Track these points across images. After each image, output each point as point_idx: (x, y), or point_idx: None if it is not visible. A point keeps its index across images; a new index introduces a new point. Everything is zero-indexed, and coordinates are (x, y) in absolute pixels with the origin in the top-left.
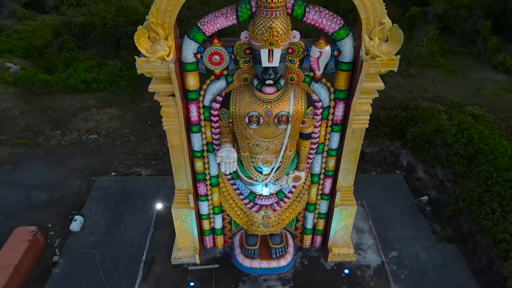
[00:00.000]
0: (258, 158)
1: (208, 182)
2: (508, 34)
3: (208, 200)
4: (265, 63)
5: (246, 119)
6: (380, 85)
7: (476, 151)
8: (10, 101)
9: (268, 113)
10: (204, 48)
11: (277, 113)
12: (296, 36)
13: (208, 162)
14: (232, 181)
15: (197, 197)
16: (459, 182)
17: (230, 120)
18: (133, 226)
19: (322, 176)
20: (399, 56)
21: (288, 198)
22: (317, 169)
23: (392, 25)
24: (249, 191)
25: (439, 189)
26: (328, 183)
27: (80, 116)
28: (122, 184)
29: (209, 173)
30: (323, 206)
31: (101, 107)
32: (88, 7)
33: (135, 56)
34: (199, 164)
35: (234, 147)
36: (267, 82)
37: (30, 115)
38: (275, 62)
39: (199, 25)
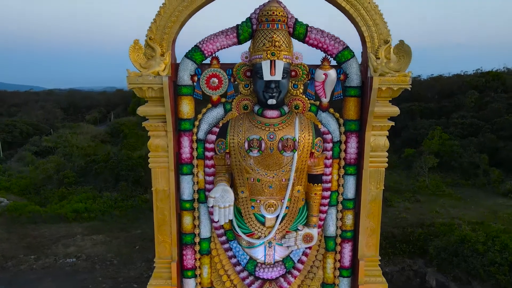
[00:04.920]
0: (260, 201)
1: (197, 248)
2: (506, 167)
3: (196, 276)
4: (266, 76)
5: (246, 145)
6: (394, 109)
7: None
8: None
9: (271, 137)
10: (202, 70)
11: (282, 137)
12: (299, 57)
13: (198, 218)
14: (227, 245)
15: (181, 271)
16: None
17: (227, 151)
18: None
19: (338, 241)
20: (411, 71)
21: (299, 270)
22: (331, 229)
23: (398, 41)
24: (248, 258)
25: None
26: (347, 249)
27: (61, 242)
28: None
29: (199, 234)
30: None
31: (87, 234)
32: (96, 148)
33: (126, 69)
34: (187, 220)
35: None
36: (269, 101)
37: (8, 242)
38: (278, 75)
39: (198, 44)
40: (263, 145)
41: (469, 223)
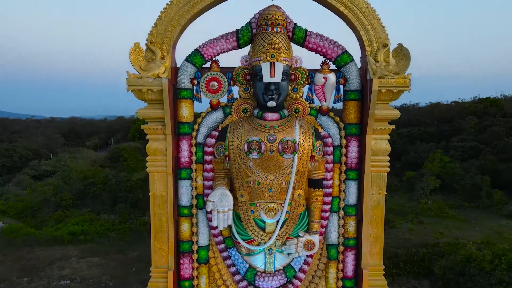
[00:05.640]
0: (260, 205)
1: (195, 257)
2: (508, 189)
3: (193, 286)
4: (266, 78)
5: (245, 147)
6: (395, 112)
7: None
8: None
9: (271, 138)
10: (202, 74)
11: (282, 139)
12: (298, 61)
13: (197, 225)
14: (226, 253)
15: (178, 281)
16: None
17: (226, 154)
18: None
19: (341, 249)
20: (410, 74)
21: (300, 280)
22: (333, 236)
23: (397, 44)
24: (247, 266)
25: None
26: (350, 258)
27: (56, 265)
28: None
29: (197, 242)
30: None
31: (83, 256)
32: (95, 172)
33: (126, 72)
34: (185, 227)
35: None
36: (269, 103)
37: (1, 264)
38: (277, 77)
39: (198, 48)
40: (262, 147)
41: (474, 243)
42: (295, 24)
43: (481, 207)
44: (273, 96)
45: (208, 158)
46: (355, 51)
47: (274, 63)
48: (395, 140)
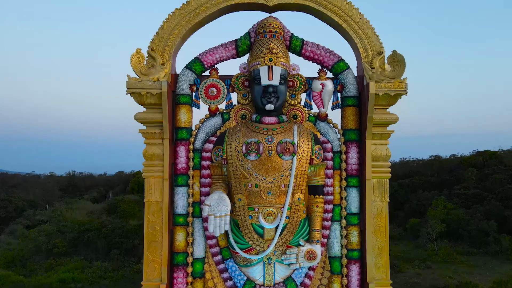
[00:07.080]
0: (258, 209)
1: (189, 270)
2: None
3: None
4: (264, 80)
5: (243, 148)
6: (393, 117)
7: None
8: None
9: (270, 140)
10: (201, 81)
11: (280, 140)
12: (296, 68)
13: (192, 235)
14: (222, 266)
15: None
16: None
17: (224, 157)
18: None
19: (344, 262)
20: (407, 78)
21: None
22: (336, 247)
23: (391, 51)
24: (245, 279)
25: None
26: (355, 272)
27: None
28: None
29: (192, 254)
30: None
31: None
32: (90, 220)
33: (127, 75)
34: (180, 237)
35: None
36: (267, 107)
37: None
38: (275, 80)
39: (198, 55)
40: (261, 148)
41: (486, 285)
42: (292, 34)
43: (490, 253)
44: (271, 99)
45: (205, 163)
46: (351, 63)
47: (272, 66)
48: (396, 189)
